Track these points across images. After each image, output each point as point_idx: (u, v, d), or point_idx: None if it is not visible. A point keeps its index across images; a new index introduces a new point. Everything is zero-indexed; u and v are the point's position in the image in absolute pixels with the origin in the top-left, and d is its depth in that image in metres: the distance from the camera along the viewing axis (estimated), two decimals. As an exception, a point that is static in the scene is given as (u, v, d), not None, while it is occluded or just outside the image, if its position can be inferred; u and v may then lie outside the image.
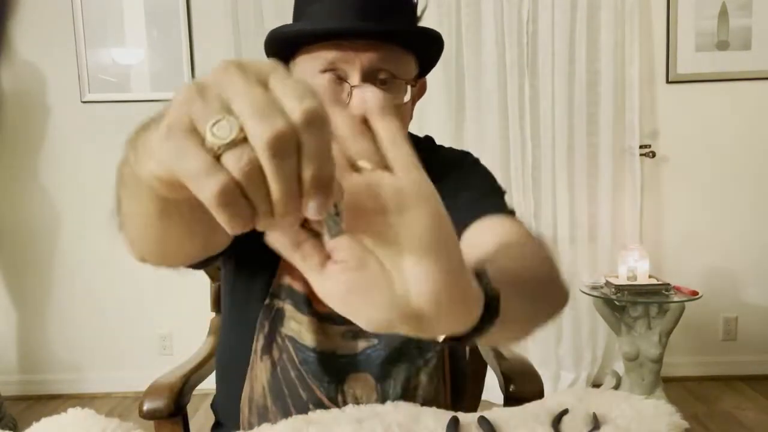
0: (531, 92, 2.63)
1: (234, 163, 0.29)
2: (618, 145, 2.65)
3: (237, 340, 0.90)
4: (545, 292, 0.60)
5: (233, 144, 0.29)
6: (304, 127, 0.29)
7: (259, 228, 0.32)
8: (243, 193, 0.29)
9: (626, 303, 2.34)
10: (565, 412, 0.70)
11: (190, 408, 1.06)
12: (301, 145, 0.29)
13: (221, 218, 0.29)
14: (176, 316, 2.77)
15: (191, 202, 0.34)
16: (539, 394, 0.97)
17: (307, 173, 0.29)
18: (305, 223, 0.34)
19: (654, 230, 2.74)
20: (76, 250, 2.78)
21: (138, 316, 2.80)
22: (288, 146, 0.29)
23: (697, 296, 2.31)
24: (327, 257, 0.35)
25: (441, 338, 0.42)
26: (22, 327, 2.83)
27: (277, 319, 0.86)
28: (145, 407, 0.98)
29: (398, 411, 0.72)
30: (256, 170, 0.29)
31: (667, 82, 2.68)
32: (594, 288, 2.45)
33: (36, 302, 2.82)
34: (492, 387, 1.31)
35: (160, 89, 2.65)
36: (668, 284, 2.36)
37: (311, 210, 0.30)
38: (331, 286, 0.34)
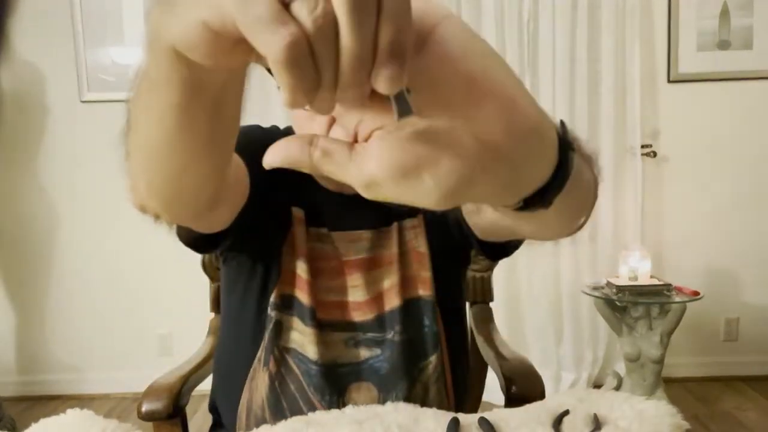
0: (531, 92, 2.62)
1: (307, 12, 0.25)
2: (619, 144, 2.65)
3: (236, 348, 0.89)
4: (593, 161, 0.57)
5: None
6: None
7: (316, 105, 0.28)
8: (311, 52, 0.25)
9: (627, 303, 2.33)
10: (566, 412, 0.69)
11: (189, 409, 1.06)
12: (382, 3, 0.26)
13: (285, 80, 0.25)
14: (175, 316, 2.76)
15: (225, 81, 0.30)
16: (540, 395, 0.96)
17: (386, 36, 0.26)
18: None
19: (655, 230, 2.73)
20: (75, 250, 2.78)
21: (137, 316, 2.80)
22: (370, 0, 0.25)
23: (698, 297, 2.30)
24: (351, 144, 0.31)
25: (520, 203, 0.38)
26: (21, 327, 2.83)
27: (275, 331, 0.85)
28: (144, 408, 0.98)
29: (398, 412, 0.71)
30: (330, 24, 0.25)
31: (669, 81, 2.67)
32: (595, 288, 2.45)
33: (35, 303, 2.81)
34: (493, 388, 1.31)
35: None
36: (669, 285, 2.35)
37: (384, 81, 0.26)
38: (382, 166, 0.30)
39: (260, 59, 0.29)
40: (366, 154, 0.31)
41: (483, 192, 0.33)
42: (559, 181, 0.38)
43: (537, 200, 0.39)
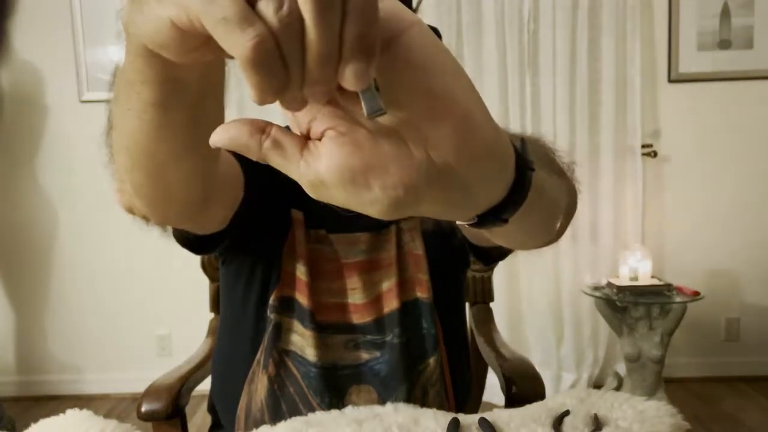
0: (532, 91, 2.63)
1: (273, 11, 0.25)
2: (619, 144, 2.64)
3: (235, 350, 0.89)
4: (566, 174, 0.56)
5: None
6: None
7: (286, 103, 0.27)
8: (278, 50, 0.25)
9: (628, 304, 2.33)
10: (566, 413, 0.69)
11: (188, 409, 1.06)
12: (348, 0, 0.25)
13: (253, 79, 0.25)
14: (175, 316, 2.76)
15: (202, 77, 0.29)
16: (540, 396, 0.96)
17: (351, 31, 0.25)
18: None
19: (656, 230, 2.73)
20: (74, 250, 2.78)
21: (136, 316, 2.79)
22: None
23: (699, 297, 2.30)
24: (303, 141, 0.31)
25: (473, 219, 0.38)
26: (20, 327, 2.83)
27: (275, 333, 0.84)
28: (144, 409, 0.98)
29: (398, 412, 0.71)
30: (296, 22, 0.25)
31: (669, 81, 2.67)
32: (595, 288, 2.44)
33: (34, 303, 2.81)
34: (493, 388, 1.31)
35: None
36: (670, 285, 2.35)
37: (351, 77, 0.26)
38: (331, 167, 0.30)
39: (227, 55, 0.29)
40: (316, 154, 0.30)
41: (432, 207, 0.33)
42: (514, 200, 0.38)
43: (491, 218, 0.39)
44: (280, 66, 0.25)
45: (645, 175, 2.67)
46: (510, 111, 2.60)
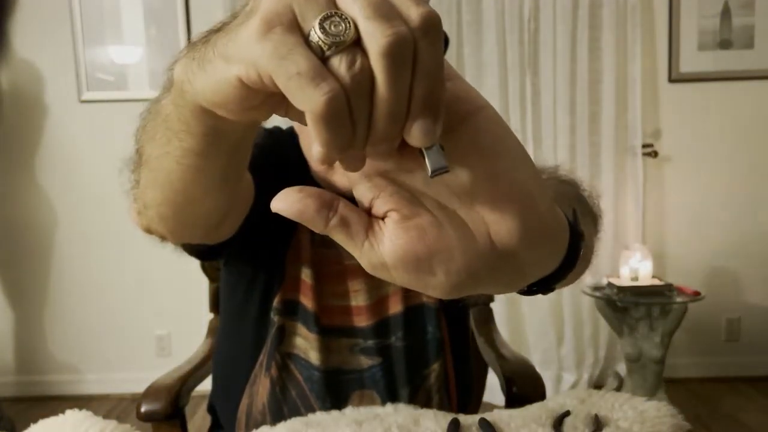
0: (532, 91, 2.62)
1: (346, 67, 0.25)
2: (620, 144, 2.64)
3: (236, 352, 0.89)
4: (595, 213, 0.57)
5: (343, 45, 0.25)
6: (422, 34, 0.25)
7: (346, 161, 0.27)
8: (348, 106, 0.25)
9: (628, 304, 2.33)
10: (566, 413, 0.69)
11: (188, 409, 1.05)
12: (417, 56, 0.25)
13: (323, 135, 0.25)
14: (174, 317, 2.76)
15: (246, 129, 0.30)
16: (541, 396, 0.96)
17: (421, 89, 0.26)
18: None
19: (656, 230, 2.73)
20: (73, 250, 2.77)
21: (136, 317, 2.79)
22: (407, 54, 0.25)
23: (699, 297, 2.30)
24: (369, 221, 0.30)
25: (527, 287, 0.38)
26: (19, 328, 2.82)
27: (278, 336, 0.84)
28: (143, 409, 0.98)
29: (398, 413, 0.71)
30: (367, 79, 0.25)
31: (670, 81, 2.67)
32: (596, 289, 2.44)
33: (33, 303, 2.81)
34: (493, 388, 1.30)
35: (159, 88, 2.63)
36: (670, 285, 2.34)
37: (418, 133, 0.26)
38: (396, 253, 0.29)
39: (288, 112, 0.29)
40: (381, 237, 0.30)
41: (487, 287, 0.33)
42: (565, 271, 0.38)
43: (541, 288, 0.39)
44: (349, 122, 0.25)
45: (645, 175, 2.67)
46: (510, 111, 2.60)
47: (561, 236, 0.35)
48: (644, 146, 2.65)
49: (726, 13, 2.61)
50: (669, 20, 2.63)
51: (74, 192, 2.73)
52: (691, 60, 2.63)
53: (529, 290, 0.40)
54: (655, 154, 2.67)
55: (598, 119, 2.63)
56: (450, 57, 2.55)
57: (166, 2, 2.64)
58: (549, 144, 2.62)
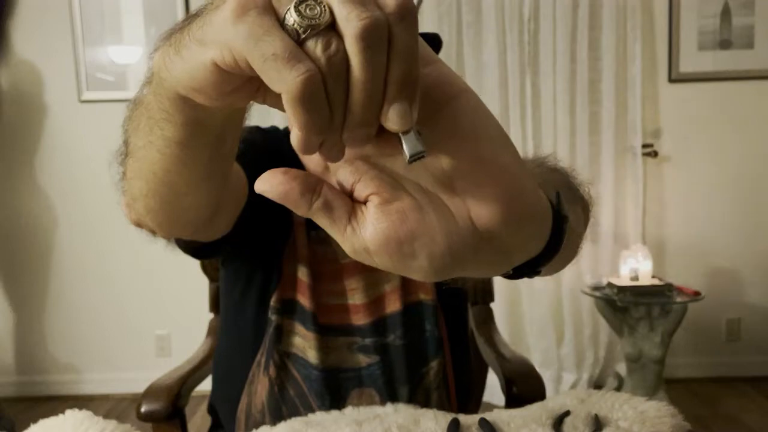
0: (532, 91, 2.62)
1: (321, 49, 0.25)
2: (620, 144, 2.64)
3: (235, 351, 0.89)
4: (583, 198, 0.57)
5: (318, 28, 0.25)
6: (397, 20, 0.26)
7: (326, 150, 0.27)
8: (325, 89, 0.25)
9: (628, 304, 2.32)
10: (566, 413, 0.69)
11: (188, 410, 1.05)
12: (392, 40, 0.26)
13: (300, 117, 0.25)
14: (174, 317, 2.76)
15: (227, 119, 0.29)
16: (541, 396, 0.96)
17: (396, 73, 0.26)
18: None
19: (656, 230, 2.73)
20: (73, 250, 2.77)
21: (136, 317, 2.79)
22: (381, 37, 0.25)
23: (699, 297, 2.30)
24: (352, 205, 0.30)
25: (508, 272, 0.38)
26: (19, 328, 2.82)
27: (276, 336, 0.84)
28: (143, 409, 0.98)
29: (398, 413, 0.71)
30: (342, 62, 0.25)
31: (670, 81, 2.67)
32: (596, 289, 2.44)
33: (33, 303, 2.81)
34: (493, 388, 1.30)
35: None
36: (671, 285, 2.34)
37: (395, 117, 0.26)
38: (378, 237, 0.29)
39: (266, 98, 0.29)
40: (363, 221, 0.30)
41: (473, 270, 0.33)
42: (549, 253, 0.38)
43: (526, 270, 0.39)
44: (326, 104, 0.26)
45: (645, 175, 2.67)
46: (510, 111, 2.59)
47: (544, 219, 0.35)
48: (644, 146, 2.65)
49: (726, 13, 2.61)
50: (669, 20, 2.63)
51: (74, 192, 2.73)
52: (691, 60, 2.63)
53: (516, 274, 0.40)
54: (655, 154, 2.67)
55: (598, 119, 2.63)
56: (450, 57, 2.55)
57: (166, 2, 2.64)
58: (549, 144, 2.62)
